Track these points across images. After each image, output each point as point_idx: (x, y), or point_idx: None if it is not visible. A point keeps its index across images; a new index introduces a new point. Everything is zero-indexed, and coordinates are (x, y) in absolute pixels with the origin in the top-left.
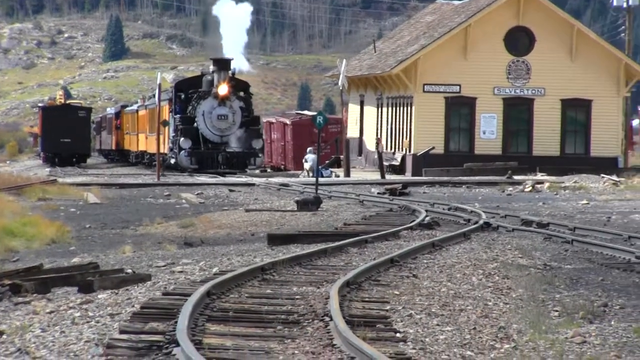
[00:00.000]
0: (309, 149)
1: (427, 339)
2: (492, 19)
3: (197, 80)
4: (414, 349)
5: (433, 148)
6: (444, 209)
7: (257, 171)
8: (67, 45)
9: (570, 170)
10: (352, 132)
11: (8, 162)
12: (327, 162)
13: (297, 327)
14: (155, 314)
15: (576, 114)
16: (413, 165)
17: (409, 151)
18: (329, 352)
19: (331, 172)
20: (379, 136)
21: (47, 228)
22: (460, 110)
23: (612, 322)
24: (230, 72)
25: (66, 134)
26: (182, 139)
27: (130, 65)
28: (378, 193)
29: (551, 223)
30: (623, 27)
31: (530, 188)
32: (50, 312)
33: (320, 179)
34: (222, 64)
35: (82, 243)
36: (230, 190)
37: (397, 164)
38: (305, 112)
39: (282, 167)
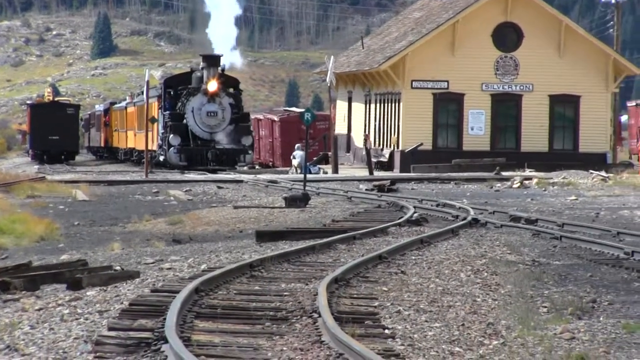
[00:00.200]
0: (297, 145)
1: (415, 335)
2: (480, 15)
3: (187, 76)
4: (402, 345)
5: (421, 144)
6: (432, 206)
7: (245, 168)
8: (55, 42)
9: (558, 166)
10: (340, 128)
11: None
12: (315, 158)
13: (285, 323)
14: (144, 310)
15: (564, 110)
16: (401, 161)
17: (397, 147)
18: (317, 349)
19: (319, 168)
20: (367, 133)
21: (35, 225)
22: (448, 107)
23: (601, 318)
24: (219, 68)
25: (54, 132)
26: (171, 135)
27: (119, 62)
28: (366, 189)
29: (540, 219)
30: (611, 22)
31: (519, 184)
32: (39, 309)
33: (309, 176)
34: (212, 60)
35: (70, 240)
36: (219, 187)
37: (385, 160)
38: (293, 108)
39: (271, 163)
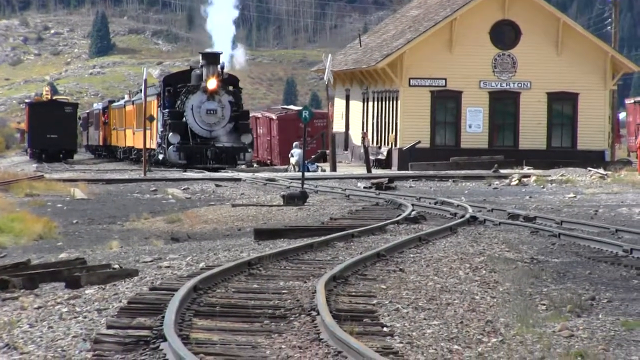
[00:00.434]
0: (295, 143)
1: (414, 333)
2: (477, 12)
3: (186, 74)
4: (401, 343)
5: (419, 142)
6: (430, 203)
7: (243, 166)
8: (53, 41)
9: (557, 163)
10: (338, 126)
11: None
12: (313, 156)
13: (284, 321)
14: (143, 309)
15: (562, 108)
16: (399, 159)
17: (395, 145)
18: (316, 347)
19: (317, 166)
20: (364, 130)
21: (34, 224)
22: (446, 104)
23: (600, 316)
24: (219, 66)
25: (53, 130)
26: (170, 134)
27: (116, 61)
28: (364, 187)
29: (538, 217)
30: (609, 19)
31: (517, 182)
32: (38, 308)
33: (307, 174)
34: (211, 58)
35: (69, 239)
36: (217, 186)
37: (383, 158)
38: (291, 106)
39: (269, 162)
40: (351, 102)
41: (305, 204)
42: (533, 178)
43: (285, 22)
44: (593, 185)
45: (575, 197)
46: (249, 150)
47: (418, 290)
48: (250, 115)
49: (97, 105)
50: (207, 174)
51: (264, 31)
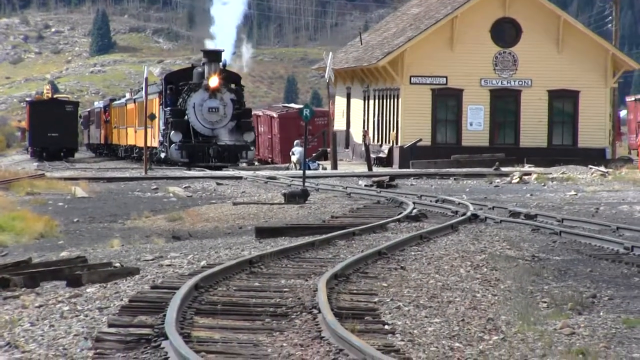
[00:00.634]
0: (296, 141)
1: (415, 331)
2: (478, 10)
3: (188, 72)
4: (402, 340)
5: (420, 140)
6: (431, 201)
7: (244, 164)
8: (54, 39)
9: (557, 161)
10: (339, 124)
11: None
12: (314, 154)
13: (285, 319)
14: (144, 307)
15: (563, 105)
16: (400, 157)
17: (396, 143)
18: (317, 345)
19: (318, 164)
20: (365, 129)
21: (35, 222)
22: (447, 102)
23: (601, 313)
24: (221, 64)
25: (54, 129)
26: (172, 132)
27: (117, 59)
28: (365, 185)
29: (539, 214)
30: (610, 17)
31: (518, 179)
32: (39, 306)
33: (308, 172)
34: (213, 56)
35: (70, 237)
36: (218, 184)
37: (384, 156)
38: (292, 105)
39: (270, 160)
40: (352, 100)
41: (307, 202)
42: (534, 176)
43: (286, 20)
44: (594, 183)
45: (576, 194)
46: (252, 148)
47: (419, 288)
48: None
49: (98, 104)
50: (208, 172)
51: (264, 29)
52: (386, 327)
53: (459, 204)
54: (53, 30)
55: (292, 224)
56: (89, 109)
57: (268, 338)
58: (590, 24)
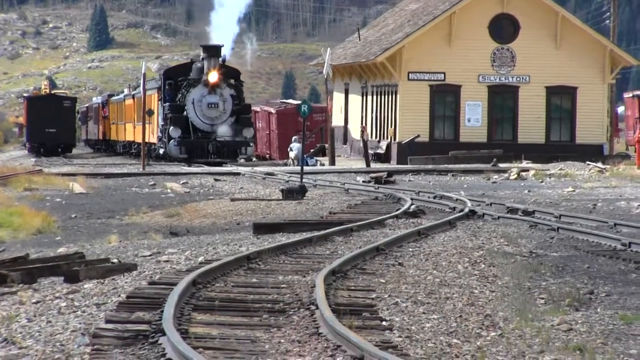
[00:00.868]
0: (294, 137)
1: (413, 327)
2: (476, 6)
3: (187, 67)
4: (400, 337)
5: (418, 136)
6: (429, 197)
7: (242, 160)
8: (51, 35)
9: (555, 157)
10: (336, 120)
11: None
12: (312, 150)
13: (283, 316)
14: (142, 303)
15: (561, 101)
16: (398, 153)
17: (394, 139)
18: (315, 341)
19: (316, 160)
20: (363, 124)
21: (33, 218)
22: (445, 98)
23: (599, 310)
24: (220, 59)
25: (51, 124)
26: (171, 127)
27: (115, 54)
28: (363, 181)
29: (537, 211)
30: (608, 13)
31: (516, 176)
32: (37, 302)
33: (306, 168)
34: (213, 51)
35: (67, 233)
36: (216, 180)
37: (382, 152)
38: (290, 100)
39: (268, 156)
40: (350, 96)
41: (304, 198)
42: (532, 172)
43: (284, 16)
44: (591, 179)
45: (573, 191)
46: (251, 144)
47: (417, 285)
48: None
49: (97, 99)
50: (206, 168)
51: (262, 25)
52: (384, 323)
53: (457, 200)
54: (51, 25)
55: (289, 220)
56: (87, 105)
57: (266, 334)
58: (588, 20)
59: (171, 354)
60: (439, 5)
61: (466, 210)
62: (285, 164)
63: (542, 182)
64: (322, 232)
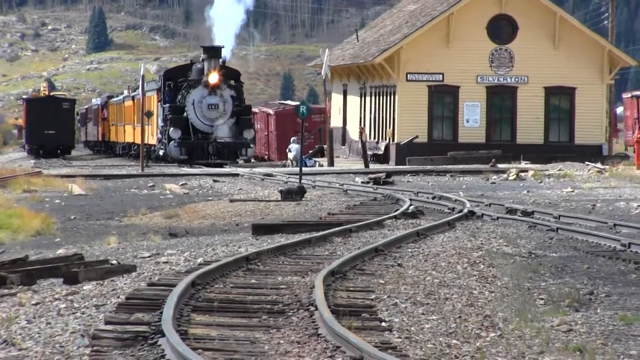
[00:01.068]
0: (292, 138)
1: (412, 328)
2: (474, 7)
3: (187, 68)
4: (399, 337)
5: (416, 137)
6: (428, 198)
7: (241, 161)
8: (50, 37)
9: (554, 158)
10: (335, 121)
11: None
12: (310, 151)
13: (282, 316)
14: (141, 304)
15: (560, 102)
16: (397, 154)
17: (393, 140)
18: (314, 342)
19: (315, 161)
20: (362, 125)
21: (32, 220)
22: (443, 99)
23: (598, 310)
24: (220, 60)
25: (50, 126)
26: (171, 129)
27: (114, 56)
28: (362, 182)
29: (536, 211)
30: (606, 14)
31: (515, 176)
32: (36, 304)
33: (304, 169)
34: (213, 52)
35: (67, 234)
36: (215, 181)
37: (381, 153)
38: (289, 102)
39: (266, 157)
40: (349, 97)
41: (303, 199)
42: (531, 172)
43: (282, 17)
44: (591, 179)
45: (572, 191)
46: (251, 145)
47: (416, 285)
48: None
49: (96, 101)
50: (205, 170)
51: (261, 26)
52: (383, 324)
53: (456, 200)
54: (50, 27)
55: (288, 221)
56: (86, 107)
57: (265, 335)
58: (586, 20)
59: (170, 355)
60: (436, 6)
61: (465, 210)
62: (284, 165)
63: (541, 182)
64: (321, 233)
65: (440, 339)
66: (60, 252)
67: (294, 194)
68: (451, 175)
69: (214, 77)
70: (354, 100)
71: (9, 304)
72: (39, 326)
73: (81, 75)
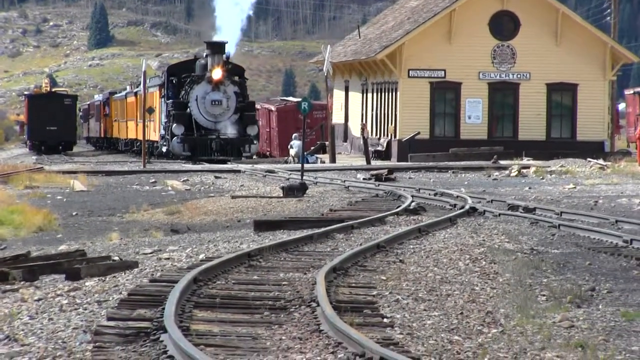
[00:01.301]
0: (294, 135)
1: (414, 324)
2: (476, 3)
3: (190, 64)
4: (401, 334)
5: (418, 133)
6: (429, 194)
7: (242, 158)
8: (52, 33)
9: (556, 154)
10: (337, 118)
11: None
12: (312, 148)
13: (284, 313)
14: (143, 300)
15: (562, 98)
16: (398, 150)
17: (395, 137)
18: (316, 338)
19: (317, 158)
20: (364, 122)
21: (34, 216)
22: (445, 95)
23: (600, 306)
24: (224, 55)
25: (52, 122)
26: (174, 125)
27: (115, 52)
28: (364, 179)
29: (538, 207)
30: (608, 10)
31: (517, 173)
32: (38, 300)
33: (306, 165)
34: (216, 48)
35: (69, 230)
36: (216, 177)
37: (383, 149)
38: (290, 98)
39: (268, 153)
40: (350, 94)
41: (305, 195)
42: (532, 169)
43: (284, 13)
44: (593, 176)
45: (574, 188)
46: (255, 142)
47: (418, 282)
48: None
49: (98, 97)
50: (207, 166)
51: (262, 23)
52: (385, 320)
53: (458, 197)
54: (51, 23)
55: (290, 218)
56: (88, 103)
57: (267, 331)
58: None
59: (172, 351)
60: (439, 3)
61: (467, 207)
62: (286, 162)
63: (542, 179)
64: (323, 229)
65: (442, 335)
66: (62, 248)
67: (295, 191)
68: (453, 172)
69: (217, 73)
70: (355, 97)
71: (11, 299)
72: (41, 322)
73: (83, 71)
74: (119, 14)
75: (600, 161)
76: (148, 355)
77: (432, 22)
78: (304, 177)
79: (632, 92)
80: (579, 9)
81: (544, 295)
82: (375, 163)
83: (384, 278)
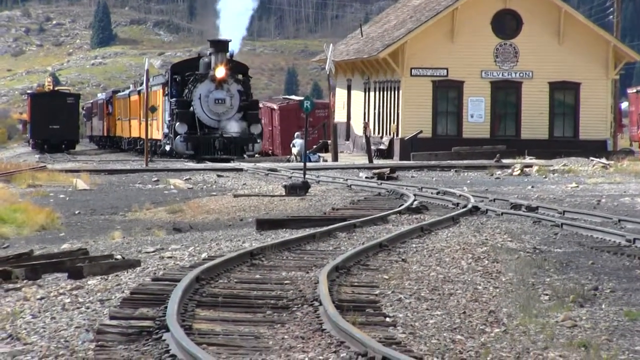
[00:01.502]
0: (296, 133)
1: (416, 323)
2: (479, 2)
3: (194, 62)
4: (403, 333)
5: (421, 132)
6: (432, 193)
7: (245, 156)
8: (55, 32)
9: (559, 153)
10: (339, 116)
11: None
12: (314, 146)
13: (286, 312)
14: (145, 299)
15: (564, 97)
16: (401, 149)
17: (397, 135)
18: (318, 337)
19: (319, 157)
20: (366, 120)
21: (36, 214)
22: (447, 94)
23: (603, 306)
24: (228, 54)
25: (55, 121)
26: (177, 123)
27: (118, 51)
28: (366, 177)
29: (540, 206)
30: (611, 9)
31: (519, 172)
32: (41, 298)
33: (308, 164)
34: (220, 46)
35: (71, 229)
36: (219, 176)
37: (385, 148)
38: (293, 97)
39: (270, 152)
40: (353, 92)
41: (307, 194)
42: (535, 168)
43: (286, 12)
44: (595, 175)
45: (577, 187)
46: (258, 140)
47: (420, 281)
48: None
49: (101, 96)
50: (209, 165)
51: (265, 21)
52: (387, 319)
53: (460, 196)
54: (54, 22)
55: (292, 216)
56: (91, 101)
57: (269, 330)
58: (591, 15)
59: (175, 350)
60: (441, 1)
61: (469, 206)
62: (288, 160)
63: (545, 178)
64: (325, 228)
65: (445, 334)
66: (65, 246)
67: (298, 189)
68: (455, 171)
69: (220, 72)
70: (358, 95)
71: (13, 298)
72: (43, 321)
73: (85, 70)
74: (122, 13)
75: (603, 160)
76: (150, 354)
77: (435, 20)
78: (307, 176)
79: (634, 90)
80: (582, 8)
81: (546, 294)
82: (377, 162)
83: (387, 277)
